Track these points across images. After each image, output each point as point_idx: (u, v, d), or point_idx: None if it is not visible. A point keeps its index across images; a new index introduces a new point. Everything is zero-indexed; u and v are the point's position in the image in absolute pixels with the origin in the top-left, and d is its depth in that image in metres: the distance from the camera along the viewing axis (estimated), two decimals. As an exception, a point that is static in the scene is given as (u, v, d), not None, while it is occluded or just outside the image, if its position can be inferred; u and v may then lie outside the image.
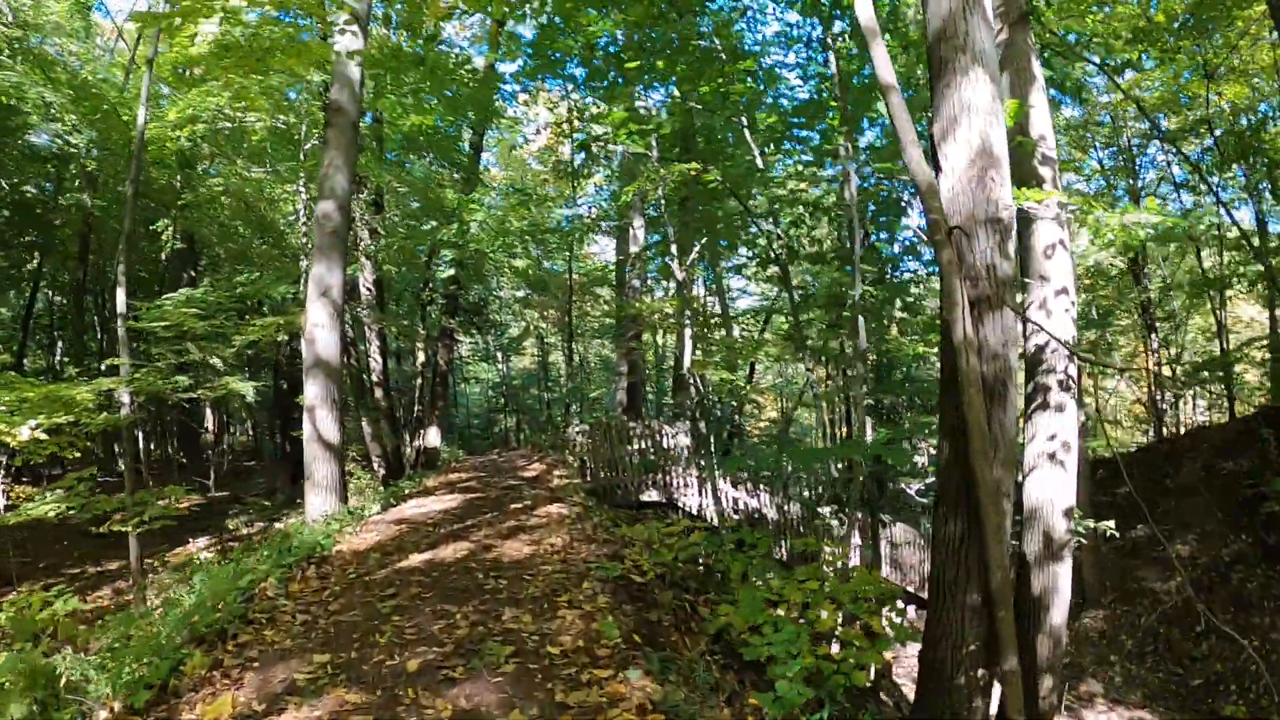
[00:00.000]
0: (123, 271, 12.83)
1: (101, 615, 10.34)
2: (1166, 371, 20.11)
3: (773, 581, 4.35)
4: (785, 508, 13.86)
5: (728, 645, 4.64)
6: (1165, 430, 21.80)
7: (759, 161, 8.51)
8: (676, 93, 9.40)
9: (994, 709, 5.04)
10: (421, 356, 22.11)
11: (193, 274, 19.11)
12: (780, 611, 4.09)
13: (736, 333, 18.25)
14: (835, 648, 4.52)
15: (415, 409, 21.87)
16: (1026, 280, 6.49)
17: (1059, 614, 6.76)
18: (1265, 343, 18.49)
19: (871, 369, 14.49)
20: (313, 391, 9.37)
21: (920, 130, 6.04)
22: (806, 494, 14.74)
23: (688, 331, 11.16)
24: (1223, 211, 15.76)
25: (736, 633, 4.24)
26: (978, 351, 4.63)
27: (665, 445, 13.31)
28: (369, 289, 17.26)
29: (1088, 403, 17.70)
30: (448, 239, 12.49)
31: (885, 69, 4.91)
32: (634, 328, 19.23)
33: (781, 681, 3.71)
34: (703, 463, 12.58)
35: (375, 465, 17.36)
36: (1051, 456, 6.62)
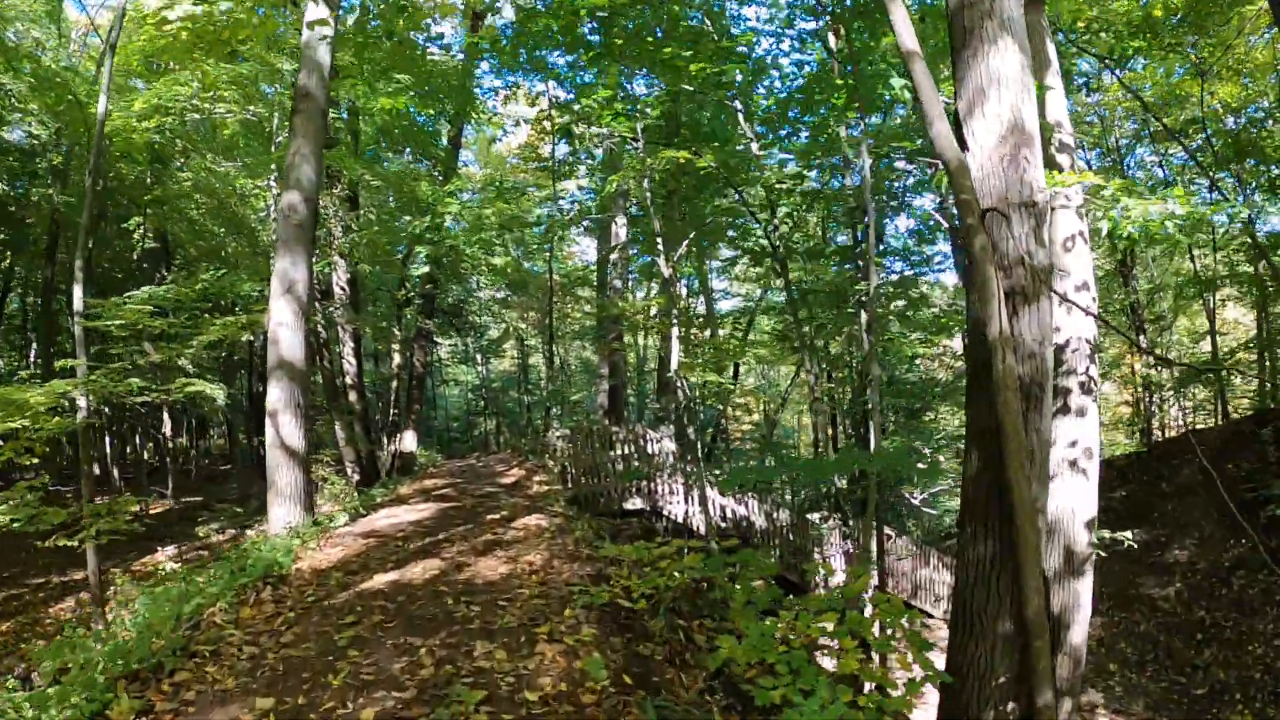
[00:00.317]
0: (80, 266, 12.15)
1: (61, 629, 9.70)
2: (1165, 372, 19.76)
3: (783, 614, 3.81)
4: (774, 515, 13.40)
5: (728, 681, 4.11)
6: (1154, 433, 21.56)
7: (754, 147, 7.97)
8: (664, 85, 8.87)
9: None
10: (398, 359, 21.55)
11: (164, 274, 18.39)
12: (792, 646, 3.55)
13: (722, 334, 17.75)
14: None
15: (392, 412, 21.25)
16: (1061, 270, 6.00)
17: (1079, 632, 6.29)
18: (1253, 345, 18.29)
19: (860, 372, 14.02)
20: (275, 394, 8.76)
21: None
22: (789, 498, 14.33)
23: (674, 331, 10.60)
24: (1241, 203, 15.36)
25: (740, 668, 3.70)
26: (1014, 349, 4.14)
27: (650, 451, 12.76)
28: (343, 288, 16.66)
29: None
30: (422, 232, 11.90)
31: (907, 33, 4.41)
32: (616, 329, 18.73)
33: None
34: (690, 469, 12.04)
35: (349, 471, 16.72)
36: (1073, 464, 6.14)
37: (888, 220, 11.88)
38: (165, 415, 18.10)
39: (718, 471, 12.28)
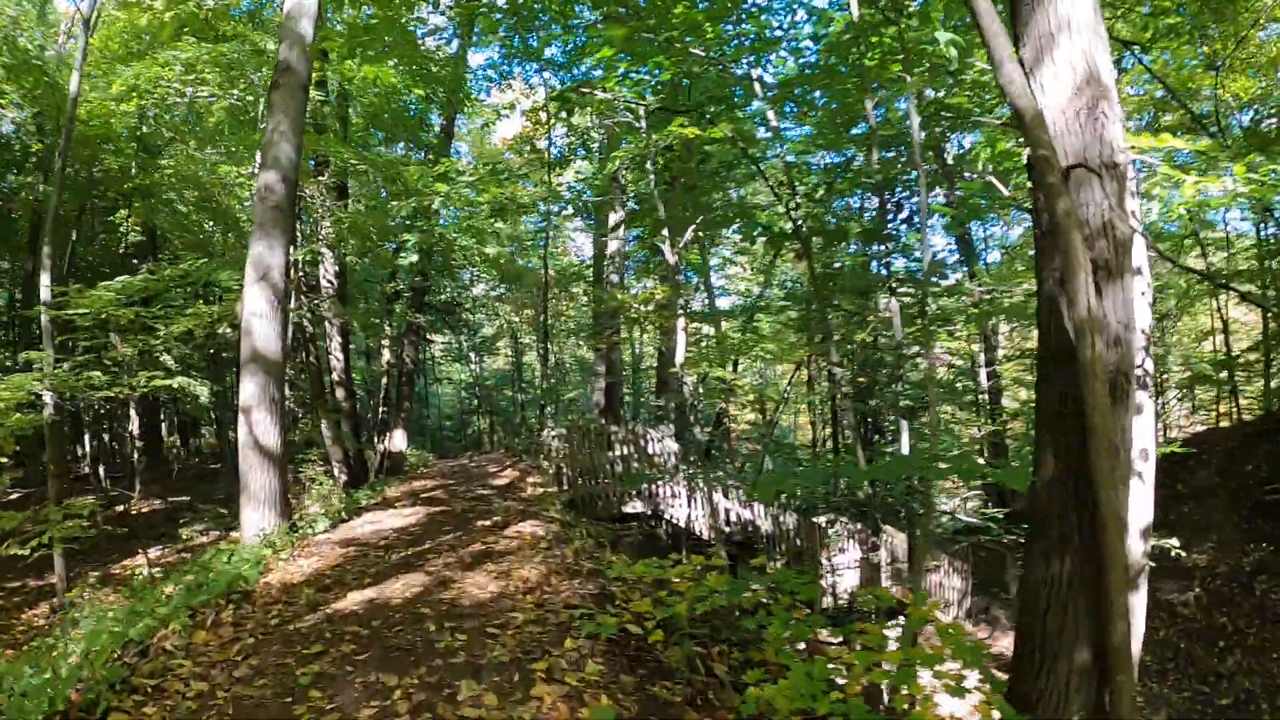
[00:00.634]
0: (48, 254, 11.50)
1: (34, 638, 9.10)
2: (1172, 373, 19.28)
3: (830, 650, 3.17)
4: (780, 519, 12.78)
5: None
6: (1168, 434, 21.08)
7: (770, 116, 7.30)
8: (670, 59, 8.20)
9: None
10: (388, 355, 20.88)
11: (151, 268, 17.76)
12: (847, 693, 2.92)
13: (725, 327, 17.10)
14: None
15: (381, 410, 20.59)
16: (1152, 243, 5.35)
17: (1134, 649, 5.65)
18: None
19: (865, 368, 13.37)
20: (249, 390, 8.09)
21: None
22: (788, 500, 13.72)
23: (680, 323, 9.95)
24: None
25: (780, 716, 3.07)
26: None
27: (650, 451, 12.11)
28: (330, 281, 15.98)
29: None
30: (410, 214, 11.24)
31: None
32: (613, 324, 18.11)
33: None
34: (694, 471, 11.40)
35: (336, 471, 16.03)
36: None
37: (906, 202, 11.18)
38: (132, 412, 17.39)
39: (720, 473, 11.61)
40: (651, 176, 9.26)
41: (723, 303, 26.08)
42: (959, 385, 16.77)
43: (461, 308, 27.00)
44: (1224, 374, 18.02)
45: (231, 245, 16.74)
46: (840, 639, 3.61)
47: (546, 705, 3.29)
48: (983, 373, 18.00)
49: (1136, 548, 5.65)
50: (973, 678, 3.40)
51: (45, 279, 11.23)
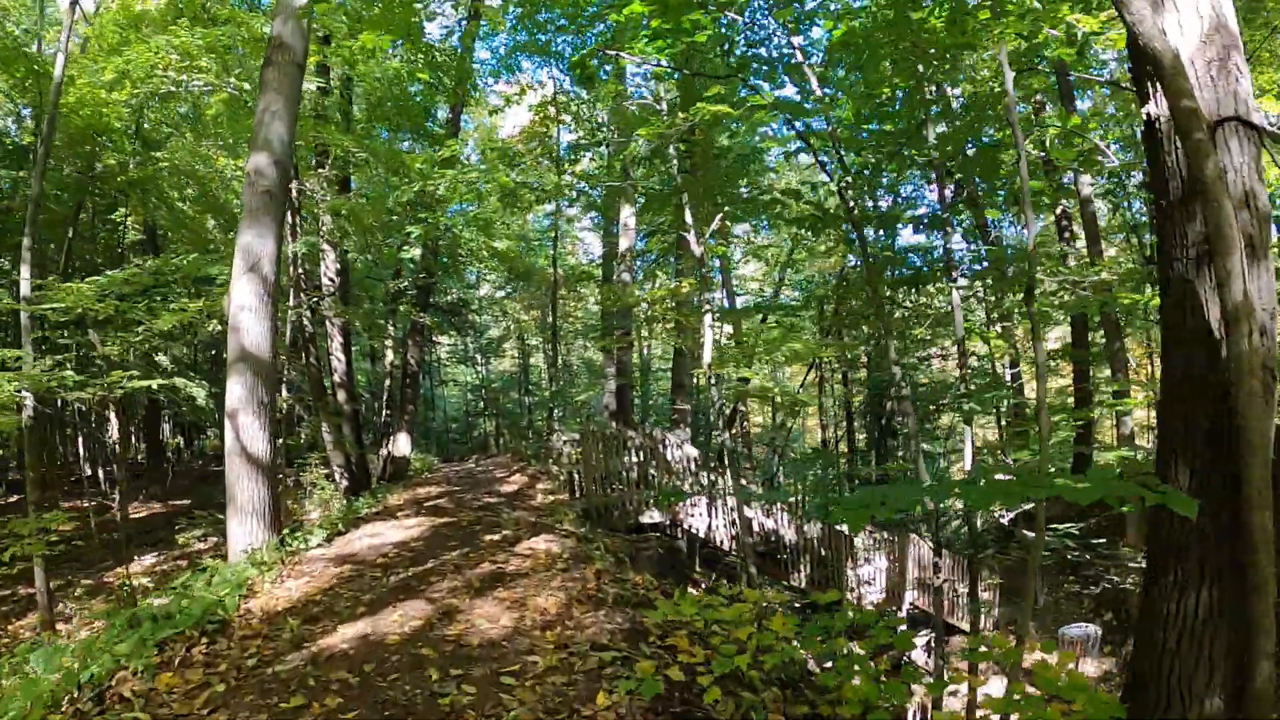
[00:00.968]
0: (27, 246, 10.82)
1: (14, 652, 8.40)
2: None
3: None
4: (804, 528, 12.04)
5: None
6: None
7: (814, 84, 6.55)
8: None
9: None
10: (391, 356, 20.18)
11: (137, 263, 17.14)
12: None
13: (746, 327, 16.36)
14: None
15: (385, 413, 19.90)
16: None
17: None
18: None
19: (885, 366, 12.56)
20: (236, 392, 7.41)
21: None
22: (805, 507, 12.98)
23: (708, 320, 9.22)
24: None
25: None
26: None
27: (669, 458, 11.36)
28: (331, 279, 15.28)
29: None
30: (412, 198, 10.57)
31: None
32: (625, 324, 17.41)
33: None
34: (715, 478, 10.68)
35: (337, 476, 15.33)
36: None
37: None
38: (111, 415, 16.76)
39: (743, 481, 10.86)
40: (675, 161, 8.58)
41: (736, 302, 25.49)
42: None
43: (468, 308, 26.39)
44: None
45: (229, 241, 16.14)
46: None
47: (580, 795, 2.58)
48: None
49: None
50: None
51: (25, 272, 10.58)
